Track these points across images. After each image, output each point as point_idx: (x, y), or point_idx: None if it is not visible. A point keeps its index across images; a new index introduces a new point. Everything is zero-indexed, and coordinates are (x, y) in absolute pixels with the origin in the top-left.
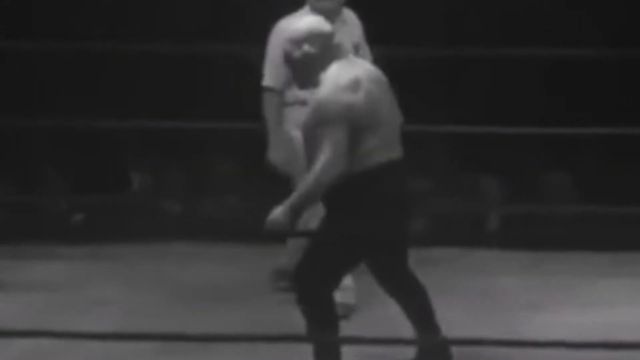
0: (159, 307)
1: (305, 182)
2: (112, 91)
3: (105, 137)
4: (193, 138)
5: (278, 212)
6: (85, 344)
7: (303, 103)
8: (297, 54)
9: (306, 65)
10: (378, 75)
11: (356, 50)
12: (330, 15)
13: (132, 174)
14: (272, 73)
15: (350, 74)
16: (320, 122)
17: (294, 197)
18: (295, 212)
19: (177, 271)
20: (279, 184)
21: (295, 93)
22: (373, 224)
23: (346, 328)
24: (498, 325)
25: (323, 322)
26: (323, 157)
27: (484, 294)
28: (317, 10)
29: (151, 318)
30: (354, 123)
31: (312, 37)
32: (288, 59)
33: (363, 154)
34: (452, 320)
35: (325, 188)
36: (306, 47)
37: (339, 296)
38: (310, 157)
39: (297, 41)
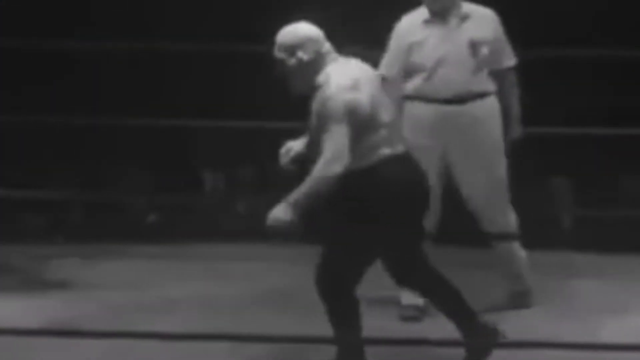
0: (234, 307)
1: (307, 180)
2: (188, 90)
3: (178, 137)
4: (265, 137)
5: (279, 209)
6: (160, 343)
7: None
8: (291, 61)
9: (300, 72)
10: (373, 74)
11: (474, 49)
12: (446, 11)
13: (205, 174)
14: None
15: (350, 74)
16: (322, 121)
17: (295, 194)
18: (297, 209)
19: (250, 271)
20: None
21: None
22: (383, 218)
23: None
24: (577, 329)
25: (345, 321)
26: (324, 156)
27: (562, 296)
28: (432, 7)
29: (226, 318)
30: (356, 121)
31: (305, 43)
32: (281, 67)
33: (365, 151)
34: (532, 323)
35: (327, 186)
36: (300, 54)
37: (407, 297)
38: (315, 156)
39: (290, 48)
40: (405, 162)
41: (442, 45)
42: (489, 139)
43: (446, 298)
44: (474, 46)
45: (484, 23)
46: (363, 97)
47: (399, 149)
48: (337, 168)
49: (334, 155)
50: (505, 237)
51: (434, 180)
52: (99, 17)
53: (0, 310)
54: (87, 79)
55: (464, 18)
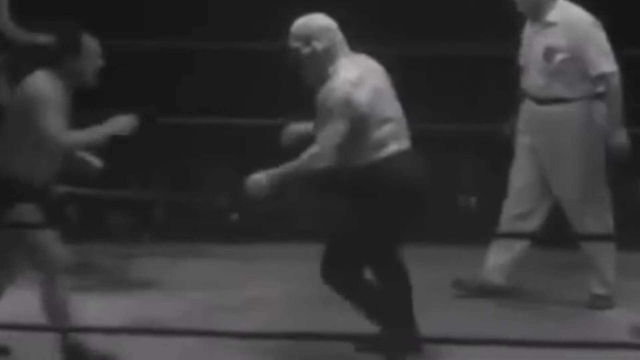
0: (315, 306)
1: (290, 163)
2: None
3: (256, 137)
4: None
5: (260, 175)
6: (242, 342)
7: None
8: (305, 50)
9: (314, 62)
10: (380, 70)
11: (549, 55)
12: (533, 14)
13: None
14: None
15: (357, 69)
16: (323, 112)
17: (276, 170)
18: (272, 183)
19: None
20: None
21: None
22: (386, 214)
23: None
24: None
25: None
26: (313, 148)
27: None
28: (519, 8)
29: (307, 317)
30: (356, 116)
31: (320, 33)
32: (295, 56)
33: (371, 146)
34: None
35: (305, 175)
36: (314, 44)
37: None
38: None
39: (305, 38)
40: (410, 158)
41: (528, 47)
42: (569, 143)
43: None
44: (549, 52)
45: (566, 31)
46: (365, 92)
47: (405, 144)
48: (321, 164)
49: (322, 151)
50: (596, 238)
51: (533, 177)
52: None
53: (85, 309)
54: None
55: (549, 24)
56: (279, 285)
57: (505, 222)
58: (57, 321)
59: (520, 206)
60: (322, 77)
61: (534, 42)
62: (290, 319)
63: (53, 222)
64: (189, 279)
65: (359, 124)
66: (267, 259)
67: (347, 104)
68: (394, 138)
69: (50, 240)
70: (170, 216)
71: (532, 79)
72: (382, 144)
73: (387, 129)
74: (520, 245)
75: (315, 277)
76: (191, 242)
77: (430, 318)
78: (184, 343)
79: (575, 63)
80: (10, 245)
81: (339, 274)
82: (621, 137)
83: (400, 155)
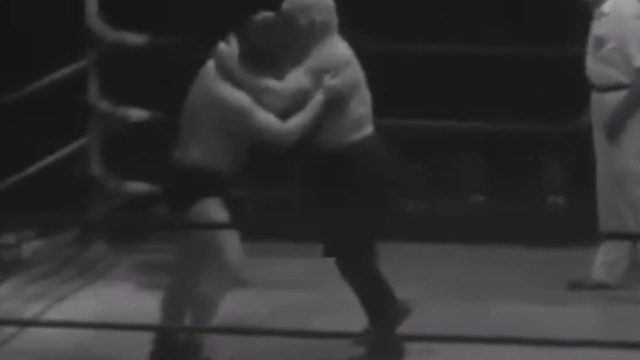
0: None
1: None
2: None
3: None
4: (436, 136)
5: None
6: (330, 342)
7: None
8: (303, 21)
9: (310, 34)
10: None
11: (598, 44)
12: (593, 3)
13: None
14: None
15: (345, 49)
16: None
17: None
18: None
19: (415, 271)
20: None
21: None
22: (369, 195)
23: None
24: None
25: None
26: (296, 120)
27: None
28: None
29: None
30: (349, 86)
31: (320, 6)
32: (292, 25)
33: (352, 125)
34: None
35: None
36: (314, 15)
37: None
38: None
39: (306, 9)
40: (379, 142)
41: (589, 35)
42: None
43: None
44: (598, 41)
45: (616, 22)
46: (358, 68)
47: (370, 129)
48: (292, 139)
49: (298, 127)
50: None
51: (601, 167)
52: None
53: None
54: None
55: (603, 14)
56: None
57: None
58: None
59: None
60: (307, 52)
61: (591, 31)
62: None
63: (235, 218)
64: (277, 279)
65: (347, 98)
66: None
67: (349, 67)
68: (369, 121)
69: (230, 238)
70: (258, 215)
71: (589, 66)
72: (361, 124)
73: (365, 110)
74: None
75: (409, 277)
76: (279, 241)
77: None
78: (274, 341)
79: (622, 53)
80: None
81: (347, 265)
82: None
83: (374, 137)
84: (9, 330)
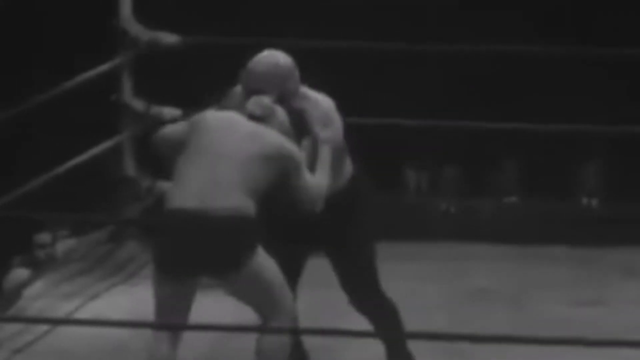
0: (434, 306)
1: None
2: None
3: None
4: (472, 137)
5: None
6: (354, 341)
7: None
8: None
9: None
10: None
11: None
12: None
13: (408, 172)
14: None
15: (320, 95)
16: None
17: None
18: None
19: (453, 271)
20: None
21: None
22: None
23: None
24: None
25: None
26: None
27: None
28: None
29: (428, 316)
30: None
31: (291, 73)
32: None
33: (347, 162)
34: None
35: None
36: (288, 85)
37: None
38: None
39: (280, 82)
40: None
41: None
42: None
43: None
44: None
45: None
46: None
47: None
48: (321, 203)
49: (325, 189)
50: None
51: None
52: None
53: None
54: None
55: None
56: (398, 285)
57: None
58: None
59: None
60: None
61: None
62: (411, 318)
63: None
64: (310, 277)
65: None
66: (385, 258)
67: (335, 113)
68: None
69: (281, 286)
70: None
71: None
72: (347, 160)
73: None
74: None
75: (437, 276)
76: None
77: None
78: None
79: None
80: None
81: (369, 292)
82: None
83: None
84: (42, 328)
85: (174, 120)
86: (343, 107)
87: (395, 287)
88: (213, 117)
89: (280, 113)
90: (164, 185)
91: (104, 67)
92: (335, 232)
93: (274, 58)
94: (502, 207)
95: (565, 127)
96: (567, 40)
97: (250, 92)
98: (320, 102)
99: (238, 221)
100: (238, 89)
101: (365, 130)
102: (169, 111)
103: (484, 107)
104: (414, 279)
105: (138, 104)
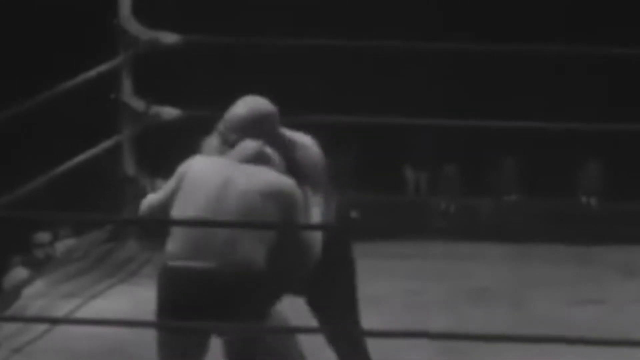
0: (438, 305)
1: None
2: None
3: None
4: (471, 136)
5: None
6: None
7: None
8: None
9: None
10: None
11: None
12: None
13: (408, 172)
14: None
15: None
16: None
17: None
18: None
19: (453, 270)
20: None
21: None
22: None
23: None
24: None
25: None
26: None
27: None
28: None
29: (428, 315)
30: None
31: (274, 120)
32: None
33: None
34: None
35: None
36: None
37: None
38: None
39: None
40: None
41: None
42: None
43: None
44: None
45: None
46: None
47: None
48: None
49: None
50: None
51: None
52: None
53: None
54: None
55: None
56: (401, 284)
57: None
58: None
59: None
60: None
61: None
62: (412, 318)
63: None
64: None
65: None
66: (387, 257)
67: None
68: None
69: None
70: None
71: None
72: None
73: None
74: None
75: (437, 275)
76: None
77: None
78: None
79: None
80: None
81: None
82: None
83: None
84: (41, 327)
85: (173, 120)
86: (343, 107)
87: (395, 286)
88: (201, 164)
89: (275, 157)
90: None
91: (103, 67)
92: (322, 291)
93: (254, 103)
94: (502, 206)
95: (565, 126)
96: (568, 40)
97: (233, 139)
98: (309, 148)
99: (248, 277)
100: (212, 139)
101: (365, 129)
102: (168, 111)
103: (483, 106)
104: (414, 278)
105: (137, 104)
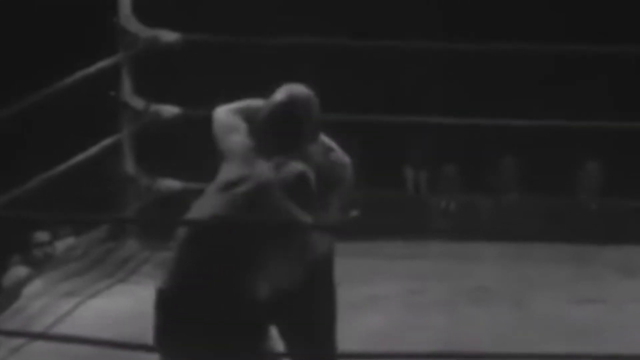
0: (436, 305)
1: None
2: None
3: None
4: (471, 135)
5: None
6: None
7: None
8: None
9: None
10: None
11: None
12: None
13: (407, 171)
14: None
15: None
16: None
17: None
18: None
19: (453, 270)
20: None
21: None
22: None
23: None
24: None
25: None
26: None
27: None
28: None
29: (428, 315)
30: None
31: (316, 105)
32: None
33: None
34: None
35: None
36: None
37: None
38: None
39: (307, 114)
40: None
41: None
42: None
43: None
44: None
45: None
46: None
47: None
48: None
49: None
50: None
51: None
52: None
53: None
54: None
55: None
56: (401, 283)
57: None
58: None
59: None
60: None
61: None
62: (413, 317)
63: None
64: None
65: None
66: (387, 256)
67: None
68: None
69: None
70: None
71: None
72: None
73: None
74: None
75: (437, 275)
76: None
77: None
78: None
79: None
80: None
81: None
82: None
83: None
84: (40, 327)
85: (173, 119)
86: (343, 106)
87: (395, 286)
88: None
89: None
90: (165, 183)
91: (103, 65)
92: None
93: (300, 90)
94: (501, 205)
95: (565, 125)
96: (568, 40)
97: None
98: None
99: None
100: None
101: (365, 129)
102: (168, 109)
103: (483, 106)
104: (414, 278)
105: (137, 102)
